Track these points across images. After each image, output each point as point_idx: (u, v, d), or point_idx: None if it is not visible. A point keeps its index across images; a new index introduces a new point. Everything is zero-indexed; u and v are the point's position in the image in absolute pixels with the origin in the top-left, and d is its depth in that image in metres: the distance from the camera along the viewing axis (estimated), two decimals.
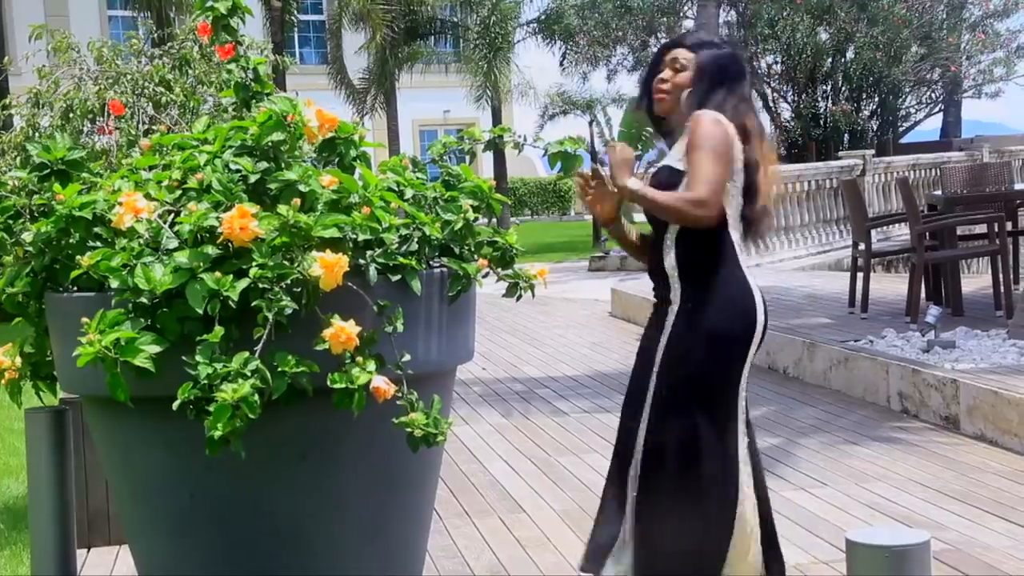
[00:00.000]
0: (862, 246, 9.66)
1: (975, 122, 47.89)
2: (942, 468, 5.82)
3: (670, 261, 3.58)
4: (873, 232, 9.89)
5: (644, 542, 3.55)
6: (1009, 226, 9.91)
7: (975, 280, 11.54)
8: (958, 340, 7.64)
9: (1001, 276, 9.01)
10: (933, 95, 29.56)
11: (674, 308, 3.57)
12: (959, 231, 9.87)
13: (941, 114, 31.02)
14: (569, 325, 12.25)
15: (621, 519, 3.62)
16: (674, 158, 3.59)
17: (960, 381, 6.57)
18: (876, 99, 27.47)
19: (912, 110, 29.66)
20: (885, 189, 18.41)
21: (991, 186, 11.00)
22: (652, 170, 3.72)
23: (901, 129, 29.25)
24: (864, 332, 8.33)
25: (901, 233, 15.71)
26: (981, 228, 10.09)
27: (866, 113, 27.39)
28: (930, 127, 32.43)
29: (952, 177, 11.36)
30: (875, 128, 27.68)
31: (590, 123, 30.92)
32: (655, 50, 3.78)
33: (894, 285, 11.12)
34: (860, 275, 9.56)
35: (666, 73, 3.62)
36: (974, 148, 22.99)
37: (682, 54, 3.61)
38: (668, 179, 3.56)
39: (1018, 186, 12.33)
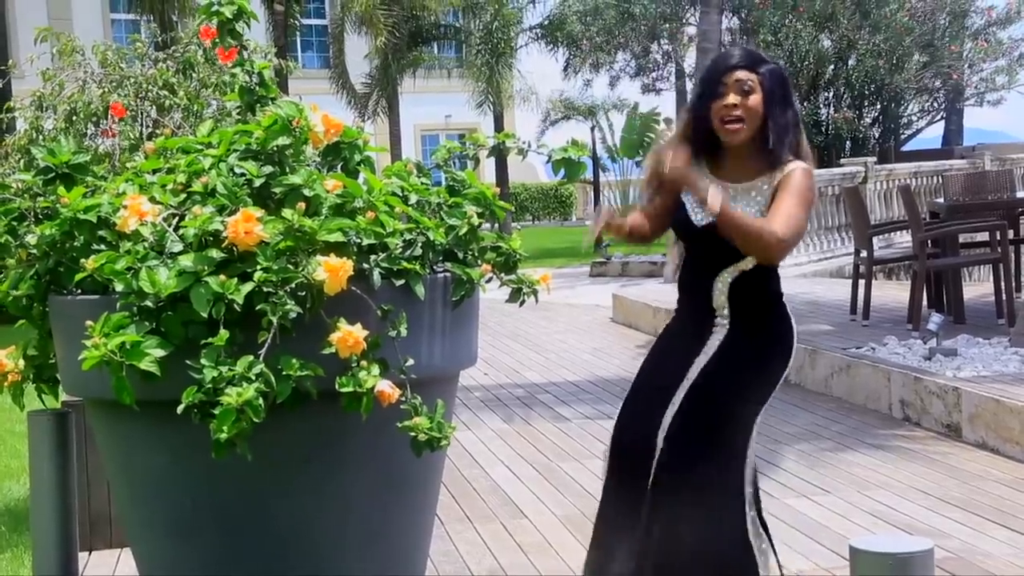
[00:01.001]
0: (864, 253, 9.66)
1: (977, 130, 47.83)
2: (944, 476, 5.82)
3: (720, 302, 3.55)
4: (875, 239, 9.89)
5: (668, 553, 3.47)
6: (1011, 234, 9.91)
7: (977, 288, 11.54)
8: (960, 348, 7.64)
9: (1003, 284, 9.02)
10: (935, 103, 29.56)
11: (720, 332, 3.55)
12: (961, 239, 9.87)
13: (943, 122, 31.01)
14: (570, 330, 12.26)
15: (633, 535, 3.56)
16: (755, 212, 3.46)
17: (962, 389, 6.57)
18: (878, 106, 27.48)
19: (914, 118, 29.64)
20: (887, 196, 18.41)
21: (993, 194, 10.99)
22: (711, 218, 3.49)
23: (903, 137, 29.25)
24: (866, 339, 8.32)
25: (903, 240, 15.69)
26: (983, 236, 10.09)
27: (868, 120, 27.39)
28: (932, 135, 32.44)
29: (954, 185, 11.35)
30: (877, 135, 27.69)
31: (592, 129, 30.92)
32: (707, 73, 3.53)
33: (896, 292, 11.12)
34: (862, 282, 9.56)
35: (733, 98, 3.44)
36: (976, 156, 23.00)
37: (745, 75, 3.44)
38: None
39: (1020, 194, 12.31)
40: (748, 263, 3.51)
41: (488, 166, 28.33)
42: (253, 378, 2.89)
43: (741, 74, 3.45)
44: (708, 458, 3.48)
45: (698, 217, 3.56)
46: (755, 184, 3.49)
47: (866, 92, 26.70)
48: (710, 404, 3.51)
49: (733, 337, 3.54)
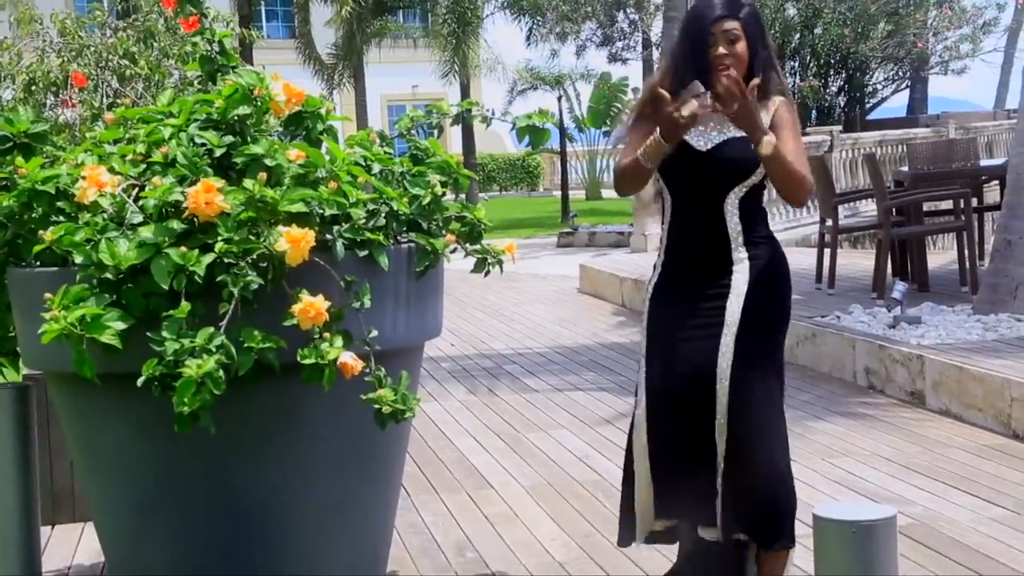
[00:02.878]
0: (829, 222, 9.69)
1: (941, 98, 48.17)
2: (908, 443, 5.86)
3: (734, 226, 3.62)
4: (840, 208, 9.93)
5: (760, 480, 3.59)
6: (975, 202, 9.96)
7: (941, 256, 11.60)
8: (924, 316, 7.68)
9: (966, 252, 9.07)
10: (900, 71, 29.68)
11: (742, 266, 3.62)
12: (925, 207, 9.91)
13: (908, 90, 31.14)
14: (537, 301, 12.25)
15: (703, 480, 3.63)
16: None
17: (926, 356, 6.61)
18: (844, 75, 27.57)
19: (879, 86, 29.76)
20: (852, 165, 18.47)
21: (957, 162, 11.03)
22: (716, 140, 3.63)
23: (868, 105, 29.35)
24: (831, 308, 8.36)
25: (868, 209, 15.77)
26: (947, 204, 10.13)
27: (834, 89, 27.48)
28: (897, 104, 32.57)
29: (918, 153, 11.39)
30: (842, 104, 27.79)
31: (559, 99, 30.87)
32: (693, 24, 3.66)
33: (861, 261, 11.17)
34: (827, 251, 9.59)
35: (724, 48, 3.58)
36: (940, 124, 23.09)
37: (731, 24, 3.59)
38: (756, 154, 3.55)
39: (983, 162, 12.39)
40: (756, 176, 3.61)
41: (455, 137, 28.27)
42: (214, 350, 2.87)
43: (728, 24, 3.59)
44: (773, 387, 3.65)
45: (700, 143, 3.63)
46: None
47: (832, 61, 26.78)
48: (765, 338, 3.64)
49: (758, 272, 3.64)
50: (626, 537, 3.78)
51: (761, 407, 3.61)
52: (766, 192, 3.75)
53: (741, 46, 3.59)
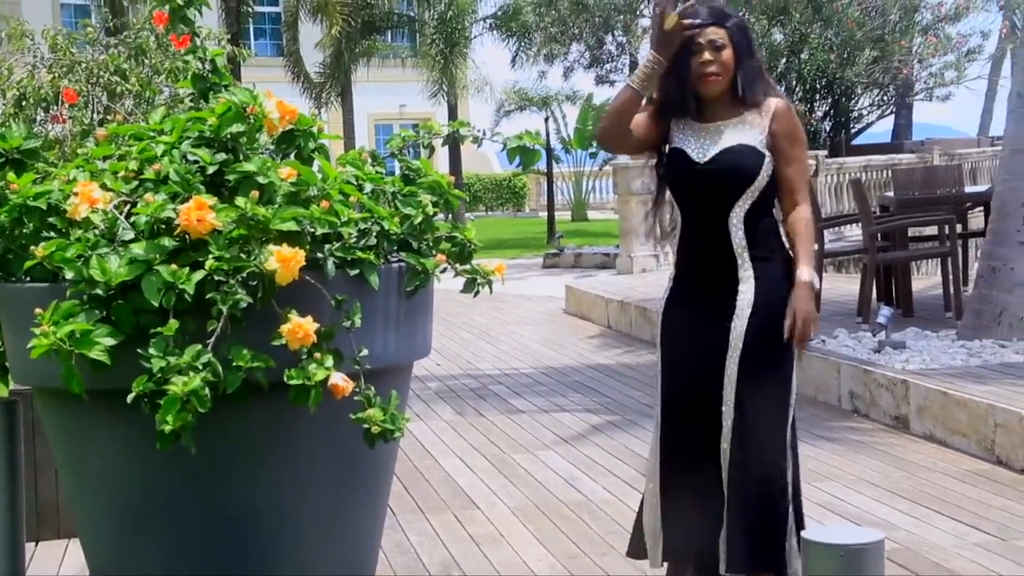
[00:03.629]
0: (815, 246, 9.72)
1: (925, 124, 48.36)
2: (892, 468, 5.88)
3: (739, 240, 3.63)
4: (825, 232, 9.97)
5: (759, 500, 3.60)
6: (959, 228, 10.01)
7: (925, 281, 11.65)
8: (908, 341, 7.71)
9: (951, 277, 9.11)
10: (885, 97, 29.80)
11: (748, 285, 3.63)
12: (910, 232, 9.95)
13: (893, 116, 31.27)
14: (523, 321, 12.26)
15: (716, 499, 3.63)
16: (755, 139, 3.63)
17: (910, 381, 6.64)
18: (829, 100, 27.67)
19: (864, 112, 29.87)
20: (837, 190, 18.53)
21: (942, 188, 11.10)
22: (713, 152, 3.64)
23: (854, 131, 29.45)
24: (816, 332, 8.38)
25: (853, 234, 15.81)
26: (932, 230, 10.18)
27: (819, 114, 27.56)
28: (882, 129, 32.68)
29: (904, 179, 11.44)
30: (828, 129, 27.86)
31: (546, 120, 30.93)
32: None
33: (846, 285, 11.21)
34: None
35: (709, 55, 3.60)
36: (925, 150, 23.21)
37: (716, 32, 3.61)
38: (755, 162, 3.60)
39: (968, 189, 12.45)
40: (758, 185, 3.63)
41: (441, 156, 28.27)
42: (200, 367, 2.86)
43: (711, 31, 3.62)
44: (777, 411, 3.66)
45: (697, 155, 3.66)
46: (744, 118, 3.67)
47: (818, 86, 26.86)
48: (770, 361, 3.65)
49: (764, 292, 3.64)
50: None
51: (761, 429, 3.61)
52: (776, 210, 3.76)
53: (727, 54, 3.62)
